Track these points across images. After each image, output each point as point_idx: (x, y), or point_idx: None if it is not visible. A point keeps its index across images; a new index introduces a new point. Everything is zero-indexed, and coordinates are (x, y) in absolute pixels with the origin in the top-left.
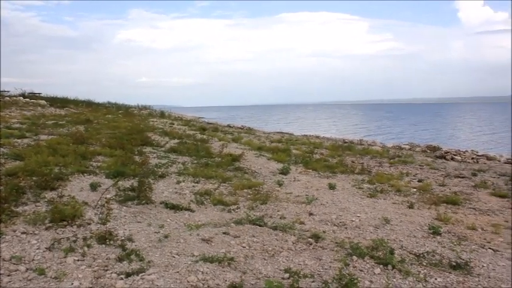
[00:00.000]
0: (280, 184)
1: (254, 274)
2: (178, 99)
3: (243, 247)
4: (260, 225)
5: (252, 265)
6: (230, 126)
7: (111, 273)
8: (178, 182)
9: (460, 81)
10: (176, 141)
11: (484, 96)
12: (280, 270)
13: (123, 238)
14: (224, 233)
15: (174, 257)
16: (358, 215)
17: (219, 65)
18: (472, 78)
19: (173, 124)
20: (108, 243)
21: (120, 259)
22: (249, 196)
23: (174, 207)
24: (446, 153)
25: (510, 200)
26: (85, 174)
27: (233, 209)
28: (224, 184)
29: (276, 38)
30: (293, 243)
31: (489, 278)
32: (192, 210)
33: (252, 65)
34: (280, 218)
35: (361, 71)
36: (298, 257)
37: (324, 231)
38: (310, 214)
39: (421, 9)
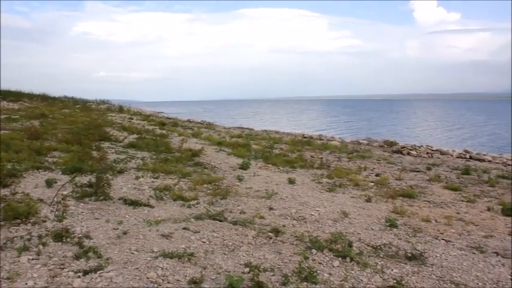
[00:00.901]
0: (240, 179)
1: (214, 269)
2: (137, 94)
3: (203, 242)
4: (220, 220)
5: (213, 260)
6: (190, 121)
7: (68, 271)
8: (137, 178)
9: (415, 79)
10: (135, 136)
11: (437, 93)
12: (241, 264)
13: (80, 235)
14: (184, 229)
15: (133, 253)
16: (318, 209)
17: (179, 59)
18: (426, 76)
19: (132, 119)
20: (64, 240)
21: (77, 257)
22: (209, 191)
23: (133, 203)
24: (402, 148)
25: (462, 192)
26: (40, 170)
27: (193, 204)
28: (184, 179)
29: (236, 33)
30: (253, 237)
31: (442, 267)
32: (151, 206)
33: (212, 60)
34: (240, 212)
35: (320, 67)
36: (259, 251)
37: (284, 226)
38: (270, 209)
39: (379, 8)
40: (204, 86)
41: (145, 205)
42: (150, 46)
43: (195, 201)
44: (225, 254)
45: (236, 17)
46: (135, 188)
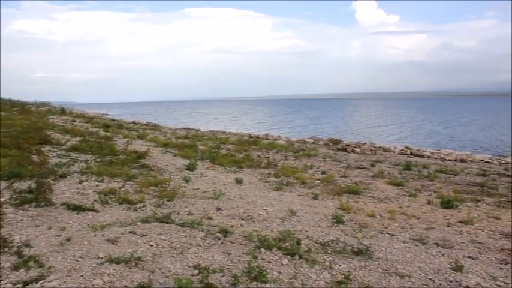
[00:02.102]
0: (187, 180)
1: (163, 272)
2: (79, 96)
3: (151, 246)
4: (167, 223)
5: (161, 263)
6: (135, 123)
7: (6, 283)
8: (80, 182)
9: (357, 78)
10: (78, 139)
11: (379, 92)
12: (189, 267)
13: (19, 244)
14: (130, 232)
15: (77, 260)
16: (265, 208)
17: (122, 60)
18: (368, 75)
19: (75, 121)
20: (1, 250)
21: (16, 267)
22: (155, 193)
23: (77, 208)
24: (347, 146)
25: (404, 187)
26: None
27: (139, 207)
28: (129, 182)
29: (180, 33)
30: (201, 239)
31: (387, 260)
32: (96, 211)
33: (156, 60)
34: (188, 214)
35: (265, 68)
36: (207, 252)
37: (232, 226)
38: (218, 209)
39: (321, 9)
40: (150, 87)
41: (89, 210)
42: (92, 46)
43: (142, 204)
44: (173, 256)
45: (180, 16)
46: (78, 193)
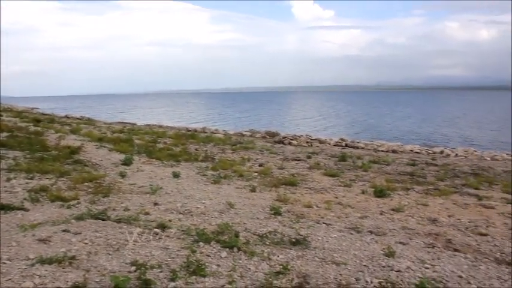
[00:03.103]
0: (123, 175)
1: (99, 271)
2: (6, 89)
3: (86, 244)
4: (103, 219)
5: (96, 262)
6: (68, 117)
7: None
8: (8, 180)
9: (295, 72)
10: (5, 134)
11: (315, 85)
12: (127, 263)
13: None
14: (64, 231)
15: (5, 263)
16: (203, 201)
17: (52, 51)
18: (305, 69)
19: (1, 116)
20: None
21: None
22: (90, 190)
23: (4, 207)
24: (284, 138)
25: (339, 178)
26: None
27: (73, 205)
28: (62, 178)
29: (113, 24)
30: (139, 234)
31: (324, 249)
32: (26, 209)
33: (88, 52)
34: (124, 210)
35: (202, 61)
36: (145, 248)
37: (170, 220)
38: (155, 204)
39: (258, 3)
40: (84, 80)
41: (18, 209)
42: (20, 36)
43: (76, 201)
44: (109, 254)
45: (112, 7)
46: (6, 191)
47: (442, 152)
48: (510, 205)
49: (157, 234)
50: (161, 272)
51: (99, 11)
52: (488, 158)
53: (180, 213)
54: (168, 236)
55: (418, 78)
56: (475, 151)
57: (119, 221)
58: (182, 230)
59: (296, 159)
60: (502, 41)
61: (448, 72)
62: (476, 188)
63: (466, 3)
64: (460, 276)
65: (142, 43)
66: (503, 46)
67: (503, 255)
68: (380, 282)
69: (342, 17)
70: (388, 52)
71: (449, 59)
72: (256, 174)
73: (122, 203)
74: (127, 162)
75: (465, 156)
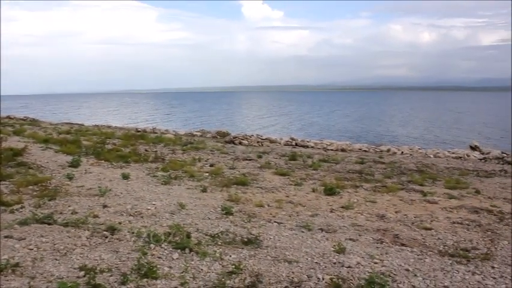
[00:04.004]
0: (70, 178)
1: (45, 277)
2: None
3: (30, 249)
4: (49, 224)
5: (42, 268)
6: (10, 118)
7: None
8: None
9: (245, 72)
10: None
11: (266, 85)
12: (75, 269)
13: None
14: (6, 237)
15: None
16: (154, 202)
17: None
18: (256, 69)
19: None
20: None
21: None
22: (35, 193)
23: None
24: (234, 138)
25: (290, 177)
26: None
27: (16, 209)
28: (4, 182)
29: (60, 22)
30: (87, 238)
31: (276, 248)
32: None
33: (33, 50)
34: (72, 213)
35: (153, 60)
36: (94, 252)
37: (120, 223)
38: (105, 206)
39: (208, 2)
40: (26, 79)
41: None
42: None
43: (19, 206)
44: (56, 259)
45: (58, 4)
46: None
47: (388, 150)
48: (452, 200)
49: (106, 237)
50: (111, 276)
51: (45, 6)
52: (431, 156)
53: (130, 215)
54: (118, 239)
55: (365, 78)
56: (419, 149)
57: (66, 224)
58: (132, 232)
59: (247, 159)
60: (442, 43)
61: (394, 72)
62: (421, 185)
63: (409, 7)
64: (407, 270)
65: (91, 41)
66: (443, 48)
67: (446, 247)
68: (331, 279)
69: (291, 18)
70: (337, 53)
71: (395, 60)
72: (207, 174)
73: (69, 206)
74: (74, 164)
75: (410, 154)
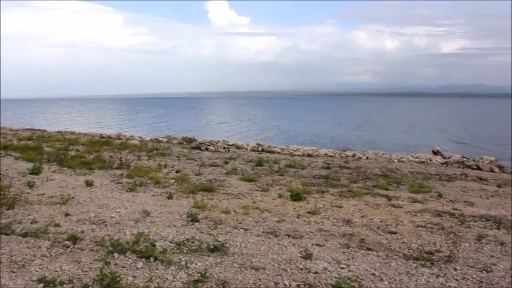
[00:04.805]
0: (30, 185)
1: None
2: None
3: None
4: (7, 234)
5: None
6: None
7: None
8: None
9: (212, 77)
10: None
11: (233, 91)
12: (33, 281)
13: None
14: None
15: None
16: (118, 210)
17: None
18: (222, 75)
19: None
20: None
21: None
22: None
23: None
24: (201, 144)
25: (256, 183)
26: None
27: None
28: None
29: (20, 24)
30: (47, 248)
31: (242, 255)
32: None
33: None
34: (32, 222)
35: (117, 65)
36: (54, 263)
37: (83, 232)
38: (67, 215)
39: (174, 7)
40: None
41: None
42: None
43: None
44: (13, 272)
45: (19, 5)
46: None
47: (354, 155)
48: (416, 204)
49: (68, 247)
50: (72, 287)
51: (7, 7)
52: (395, 160)
53: (94, 223)
54: (80, 249)
55: (331, 84)
56: (383, 154)
57: (25, 234)
58: (95, 242)
59: (213, 165)
60: (405, 51)
61: (358, 78)
62: (386, 189)
63: (373, 15)
64: (374, 274)
65: (54, 44)
66: (405, 56)
67: (411, 251)
68: (298, 285)
69: (258, 24)
70: (303, 59)
71: (359, 67)
72: (173, 180)
73: (29, 215)
74: (35, 172)
75: (375, 159)
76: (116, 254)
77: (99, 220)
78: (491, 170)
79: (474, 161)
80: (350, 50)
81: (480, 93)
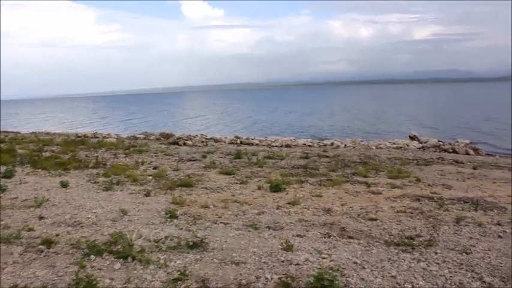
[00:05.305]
0: (3, 189)
1: None
2: None
3: None
4: None
5: None
6: None
7: None
8: None
9: (188, 72)
10: None
11: (209, 85)
12: None
13: None
14: None
15: None
16: (95, 210)
17: None
18: (198, 69)
19: None
20: None
21: None
22: None
23: None
24: (178, 139)
25: (235, 176)
26: None
27: None
28: None
29: None
30: (20, 254)
31: (222, 250)
32: None
33: None
34: (4, 227)
35: (91, 62)
36: (28, 269)
37: (57, 235)
38: (41, 218)
39: (147, 2)
40: None
41: None
42: None
43: None
44: None
45: None
46: None
47: (332, 144)
48: (395, 189)
49: (42, 251)
50: None
51: None
52: (373, 147)
53: (69, 225)
54: (55, 253)
55: (307, 74)
56: (361, 141)
57: None
58: (71, 244)
59: (191, 160)
60: (379, 38)
61: (334, 67)
62: (365, 176)
63: (347, 4)
64: (355, 263)
65: (25, 43)
66: (379, 43)
67: (392, 237)
68: (280, 278)
69: (232, 16)
70: (278, 50)
71: (335, 56)
72: (150, 177)
73: (1, 220)
74: (8, 175)
75: (353, 147)
76: (92, 256)
77: (75, 222)
78: (467, 153)
79: (450, 144)
80: (325, 40)
81: (454, 78)
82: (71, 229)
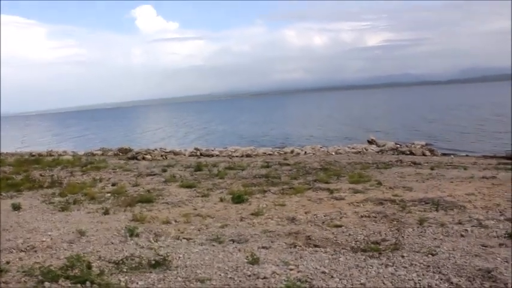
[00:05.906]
0: None
1: None
2: None
3: None
4: None
5: None
6: None
7: None
8: None
9: (144, 85)
10: None
11: (167, 97)
12: None
13: None
14: None
15: None
16: (50, 233)
17: None
18: (154, 82)
19: None
20: None
21: None
22: None
23: None
24: (137, 153)
25: (196, 189)
26: None
27: None
28: None
29: None
30: None
31: (186, 267)
32: None
33: None
34: None
35: (45, 79)
36: None
37: (8, 262)
38: None
39: (102, 16)
40: None
41: None
42: None
43: None
44: None
45: None
46: None
47: (292, 152)
48: (358, 194)
49: None
50: None
51: None
52: (333, 153)
53: (22, 250)
54: (5, 282)
55: (264, 83)
56: (321, 147)
57: None
58: (23, 272)
59: (151, 174)
60: (333, 46)
61: (290, 76)
62: (327, 182)
63: (301, 13)
64: (324, 272)
65: None
66: (333, 51)
67: (358, 243)
68: None
69: (186, 28)
70: (234, 60)
71: (290, 64)
72: (109, 194)
73: None
74: None
75: (313, 153)
76: (46, 283)
77: (28, 246)
78: (423, 154)
79: (407, 146)
80: (280, 49)
81: (407, 82)
82: (24, 255)
